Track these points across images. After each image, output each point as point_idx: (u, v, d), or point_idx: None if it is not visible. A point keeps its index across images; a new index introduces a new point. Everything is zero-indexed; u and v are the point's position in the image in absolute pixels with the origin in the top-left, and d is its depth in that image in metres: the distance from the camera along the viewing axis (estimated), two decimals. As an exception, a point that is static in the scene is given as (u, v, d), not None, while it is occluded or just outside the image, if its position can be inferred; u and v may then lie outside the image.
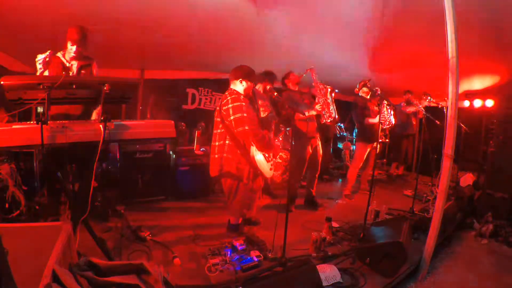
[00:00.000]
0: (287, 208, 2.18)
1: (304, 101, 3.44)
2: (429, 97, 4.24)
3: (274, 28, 3.30)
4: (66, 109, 2.33)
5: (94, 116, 2.41)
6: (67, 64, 2.35)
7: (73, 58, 2.36)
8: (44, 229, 1.42)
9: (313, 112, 3.31)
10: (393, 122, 4.13)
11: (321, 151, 3.60)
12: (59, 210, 2.49)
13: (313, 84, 3.34)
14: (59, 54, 2.32)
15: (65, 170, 2.35)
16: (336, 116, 3.33)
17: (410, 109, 4.76)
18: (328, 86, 3.33)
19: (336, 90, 3.38)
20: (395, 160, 5.42)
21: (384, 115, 3.97)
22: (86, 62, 2.43)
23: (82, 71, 2.39)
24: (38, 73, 2.13)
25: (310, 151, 3.46)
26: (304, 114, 3.26)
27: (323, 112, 3.29)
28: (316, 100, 3.34)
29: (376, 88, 3.26)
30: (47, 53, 2.06)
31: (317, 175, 3.65)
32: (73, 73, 2.36)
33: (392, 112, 4.11)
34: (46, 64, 2.10)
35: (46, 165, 2.20)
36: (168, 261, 2.22)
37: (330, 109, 3.30)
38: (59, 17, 2.55)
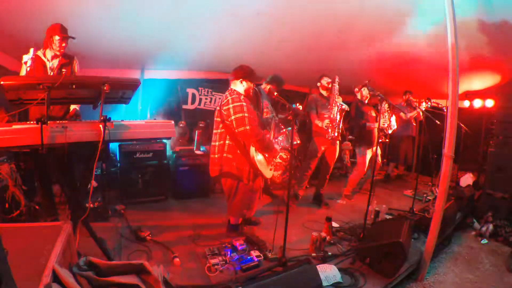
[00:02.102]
0: (287, 208, 2.18)
1: (328, 106, 3.51)
2: (430, 102, 4.23)
3: (274, 27, 3.30)
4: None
5: (73, 106, 2.44)
6: (48, 63, 2.33)
7: (54, 57, 2.34)
8: (44, 229, 1.42)
9: (320, 124, 3.44)
10: (395, 126, 4.12)
11: (336, 154, 3.69)
12: (56, 210, 2.48)
13: (334, 92, 3.45)
14: (39, 53, 2.30)
15: (65, 170, 2.35)
16: (337, 134, 3.47)
17: (411, 114, 4.74)
18: (342, 105, 3.46)
19: (347, 109, 3.54)
20: (394, 161, 5.42)
21: (386, 120, 3.96)
22: (67, 60, 2.41)
23: (63, 69, 2.37)
24: (24, 72, 2.14)
25: (323, 149, 3.56)
26: (317, 121, 3.44)
27: (329, 130, 3.42)
28: (330, 110, 3.46)
29: (378, 92, 3.25)
30: (31, 51, 2.06)
31: (327, 176, 3.75)
32: (53, 72, 2.34)
33: (393, 116, 4.10)
34: (33, 62, 2.10)
35: (46, 165, 2.20)
36: (168, 261, 2.21)
37: (336, 129, 3.44)
38: (60, 16, 2.54)
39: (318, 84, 3.65)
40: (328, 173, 3.71)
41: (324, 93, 3.61)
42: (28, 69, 2.09)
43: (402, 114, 4.68)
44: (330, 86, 3.53)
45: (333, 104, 3.44)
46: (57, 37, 2.27)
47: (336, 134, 3.45)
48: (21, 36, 2.83)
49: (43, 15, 2.57)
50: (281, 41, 3.59)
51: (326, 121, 3.39)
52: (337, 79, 3.42)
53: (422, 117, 4.66)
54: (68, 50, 2.41)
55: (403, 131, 4.91)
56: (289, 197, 2.28)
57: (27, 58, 2.06)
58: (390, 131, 4.01)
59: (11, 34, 2.85)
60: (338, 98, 3.45)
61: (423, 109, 3.99)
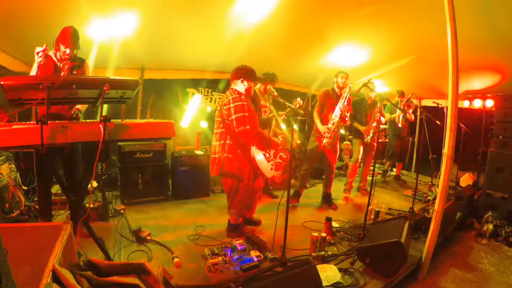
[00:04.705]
0: (287, 208, 2.18)
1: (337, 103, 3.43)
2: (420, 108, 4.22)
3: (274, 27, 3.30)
4: (57, 109, 2.32)
5: (77, 106, 2.43)
6: (59, 64, 2.34)
7: (65, 59, 2.34)
8: (44, 229, 1.42)
9: (323, 128, 3.38)
10: (383, 120, 4.17)
11: (336, 152, 3.65)
12: (51, 212, 2.48)
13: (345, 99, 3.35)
14: (51, 53, 2.30)
15: (65, 170, 2.36)
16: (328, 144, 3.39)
17: (394, 115, 4.71)
18: (346, 115, 3.36)
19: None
20: (390, 160, 5.39)
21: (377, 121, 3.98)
22: (77, 63, 2.41)
23: (74, 72, 2.37)
24: (36, 65, 2.13)
25: (322, 148, 3.49)
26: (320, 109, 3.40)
27: (325, 135, 3.35)
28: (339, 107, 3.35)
29: (380, 94, 3.24)
30: (44, 46, 2.07)
31: (332, 175, 3.72)
32: (64, 73, 2.34)
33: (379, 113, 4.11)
34: (45, 56, 2.11)
35: (45, 165, 2.20)
36: (168, 261, 2.22)
37: (329, 139, 3.35)
38: (60, 16, 2.54)
39: (334, 79, 3.51)
40: (332, 172, 3.68)
41: (337, 90, 3.50)
42: (40, 60, 2.08)
43: (386, 115, 4.66)
44: (343, 85, 3.42)
45: (338, 111, 3.31)
46: (63, 46, 2.27)
47: (327, 143, 3.35)
48: (21, 37, 2.83)
49: (44, 15, 2.57)
50: (281, 39, 3.58)
51: (325, 127, 3.36)
52: (349, 84, 3.33)
53: (412, 118, 4.70)
54: (77, 52, 2.42)
55: (394, 132, 4.89)
56: (289, 197, 2.28)
57: (39, 49, 2.06)
58: (382, 125, 4.06)
59: (11, 34, 2.85)
60: (343, 105, 3.29)
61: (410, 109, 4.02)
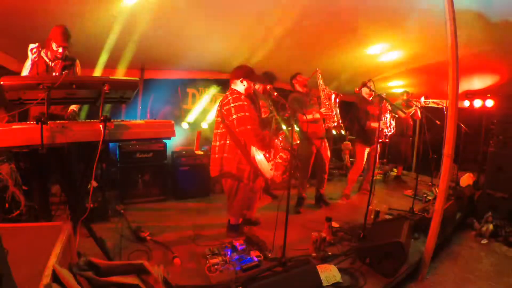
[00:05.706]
0: (287, 208, 2.17)
1: (311, 102, 3.45)
2: (428, 99, 4.22)
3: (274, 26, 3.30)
4: (51, 110, 2.31)
5: (72, 107, 2.43)
6: (51, 64, 2.33)
7: (55, 58, 2.33)
8: (44, 229, 1.42)
9: (317, 115, 3.35)
10: (394, 129, 4.12)
11: (328, 153, 3.63)
12: (50, 212, 2.47)
13: (318, 86, 3.35)
14: (42, 54, 2.29)
15: (65, 170, 2.35)
16: (340, 121, 3.37)
17: (409, 110, 4.72)
18: (333, 92, 3.36)
19: (341, 94, 3.44)
20: (393, 161, 5.39)
21: (386, 121, 3.95)
22: (69, 62, 2.40)
23: (66, 71, 2.37)
24: (29, 62, 2.13)
25: (315, 150, 3.49)
26: (305, 116, 3.19)
27: (328, 116, 3.33)
28: (321, 103, 3.36)
29: (380, 93, 3.24)
30: (37, 44, 2.07)
31: (325, 176, 3.69)
32: (55, 73, 2.34)
33: (394, 118, 4.09)
34: (39, 53, 2.10)
35: (44, 165, 2.20)
36: (168, 261, 2.22)
37: (334, 113, 3.34)
38: (60, 16, 2.54)
39: (294, 81, 3.52)
40: (325, 172, 3.66)
41: (300, 89, 3.50)
42: (34, 56, 2.08)
43: (400, 112, 4.66)
44: (307, 82, 3.44)
45: (324, 95, 3.33)
46: (55, 45, 2.26)
47: (335, 123, 3.34)
48: (21, 36, 2.83)
49: (43, 14, 2.57)
50: (281, 39, 3.58)
51: (323, 109, 3.32)
52: (319, 72, 3.33)
53: (419, 115, 4.69)
54: (68, 51, 2.41)
55: (400, 131, 4.88)
56: (289, 197, 2.27)
57: (33, 46, 2.05)
58: (389, 133, 4.00)
59: (11, 34, 2.85)
60: (326, 88, 3.34)
61: (420, 106, 3.99)
